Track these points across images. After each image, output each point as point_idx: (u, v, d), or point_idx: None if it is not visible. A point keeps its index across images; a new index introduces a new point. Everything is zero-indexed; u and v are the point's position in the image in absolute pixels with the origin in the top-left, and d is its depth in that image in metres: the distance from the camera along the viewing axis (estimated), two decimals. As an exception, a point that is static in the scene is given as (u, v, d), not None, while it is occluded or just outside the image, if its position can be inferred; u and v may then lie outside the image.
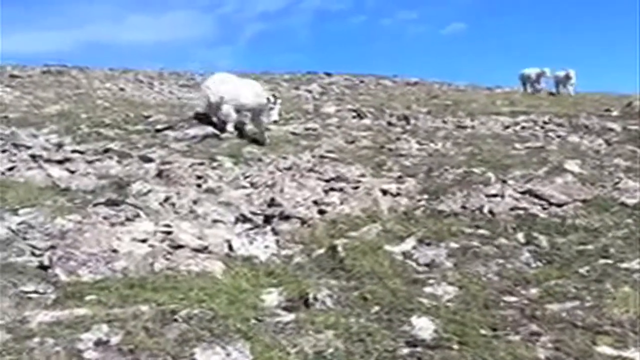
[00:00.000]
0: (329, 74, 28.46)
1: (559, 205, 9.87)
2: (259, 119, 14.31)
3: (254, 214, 9.42)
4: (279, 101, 14.18)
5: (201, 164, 11.73)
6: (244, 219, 9.22)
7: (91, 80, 25.71)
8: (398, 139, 15.34)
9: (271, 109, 13.86)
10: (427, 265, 7.82)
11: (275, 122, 14.39)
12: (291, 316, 6.14)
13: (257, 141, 13.95)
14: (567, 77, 26.08)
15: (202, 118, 15.05)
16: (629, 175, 11.58)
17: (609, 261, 7.80)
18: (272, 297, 6.62)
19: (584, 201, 10.06)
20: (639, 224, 9.06)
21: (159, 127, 14.83)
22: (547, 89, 26.79)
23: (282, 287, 6.86)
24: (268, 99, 14.00)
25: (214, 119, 14.83)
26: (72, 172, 11.16)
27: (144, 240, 7.88)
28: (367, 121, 17.46)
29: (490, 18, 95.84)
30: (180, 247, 7.80)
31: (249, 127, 14.82)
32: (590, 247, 8.35)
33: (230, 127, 14.33)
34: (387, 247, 8.21)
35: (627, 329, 5.94)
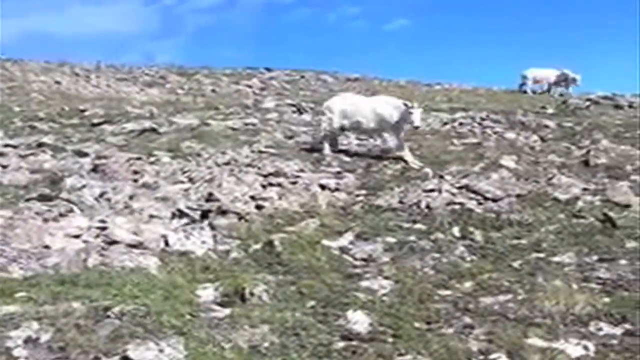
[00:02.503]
0: (269, 69, 28.36)
1: (494, 200, 10.03)
2: (397, 130, 13.00)
3: (191, 209, 9.31)
4: (415, 105, 12.99)
5: (138, 158, 11.56)
6: (180, 214, 9.11)
7: (26, 73, 25.10)
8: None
9: (410, 113, 12.68)
10: (364, 259, 7.85)
11: (417, 127, 13.08)
12: (226, 311, 6.12)
13: (196, 137, 13.81)
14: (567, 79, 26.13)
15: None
16: (562, 171, 11.84)
17: (542, 255, 7.97)
18: (207, 293, 6.57)
19: (518, 196, 10.24)
20: (571, 218, 9.26)
21: (95, 121, 14.61)
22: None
23: (218, 282, 6.81)
24: (405, 104, 12.85)
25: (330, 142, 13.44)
26: (4, 166, 10.90)
27: (77, 236, 7.75)
28: (307, 116, 17.44)
29: (434, 15, 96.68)
30: (115, 242, 7.68)
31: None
32: (523, 241, 8.51)
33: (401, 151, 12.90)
34: (325, 242, 8.23)
35: (557, 321, 6.07)
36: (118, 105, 16.96)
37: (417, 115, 12.68)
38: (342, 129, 13.51)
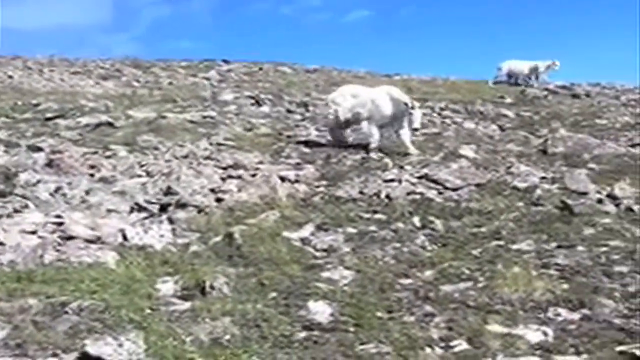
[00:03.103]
0: (227, 61, 28.13)
1: (454, 190, 10.11)
2: (400, 126, 12.53)
3: (149, 202, 9.20)
4: (417, 105, 12.55)
5: (94, 152, 11.39)
6: (139, 208, 9.00)
7: (-24, 67, 24.55)
8: (297, 125, 15.36)
9: (410, 114, 12.23)
10: (325, 250, 7.82)
11: (416, 129, 12.64)
12: (187, 305, 6.05)
13: (153, 130, 13.66)
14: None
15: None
16: (520, 160, 11.99)
17: (501, 243, 8.03)
18: (167, 286, 6.48)
19: (478, 185, 10.33)
20: (530, 206, 9.36)
21: (48, 115, 14.34)
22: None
23: (177, 275, 6.72)
24: (406, 104, 12.34)
25: (336, 136, 13.23)
26: (-44, 162, 10.63)
27: (33, 232, 7.61)
28: (265, 108, 17.37)
29: (395, 6, 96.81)
30: (71, 238, 7.54)
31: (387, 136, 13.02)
32: (483, 229, 8.56)
33: (374, 145, 12.47)
34: (285, 234, 8.19)
35: (517, 308, 6.12)
36: (72, 99, 16.67)
37: (417, 116, 12.27)
38: (348, 122, 13.06)
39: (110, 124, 13.80)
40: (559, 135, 13.52)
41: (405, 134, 12.52)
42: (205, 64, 27.21)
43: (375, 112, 12.57)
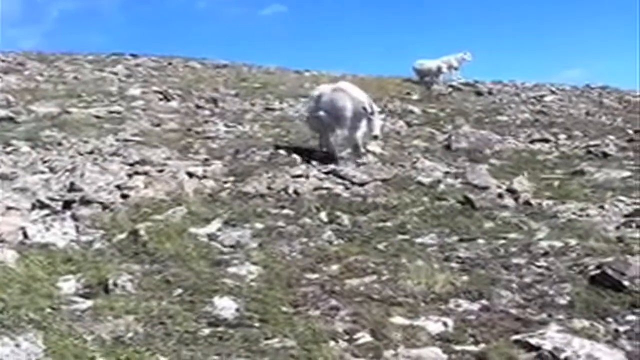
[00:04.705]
0: (135, 55, 27.58)
1: (361, 185, 10.25)
2: (347, 128, 11.59)
3: (52, 199, 8.98)
4: (377, 110, 11.39)
5: (-6, 148, 11.04)
6: (41, 205, 8.77)
7: None
8: (206, 121, 15.28)
9: (369, 119, 11.16)
10: (232, 246, 7.80)
11: (375, 137, 11.53)
12: (89, 303, 5.93)
13: (56, 125, 13.32)
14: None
15: None
16: (426, 156, 12.28)
17: (406, 237, 8.21)
18: (69, 285, 6.34)
19: (384, 180, 10.51)
20: (434, 201, 9.59)
21: (-54, 111, 13.81)
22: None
23: (80, 273, 6.58)
24: (365, 108, 11.23)
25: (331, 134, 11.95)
26: None
27: None
28: (174, 104, 17.19)
29: (310, 1, 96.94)
30: (-32, 236, 7.30)
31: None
32: (389, 223, 8.72)
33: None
34: (192, 230, 8.12)
35: (419, 300, 6.27)
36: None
37: (376, 123, 11.24)
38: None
39: (11, 119, 13.40)
40: (463, 132, 13.89)
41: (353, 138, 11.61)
42: (112, 58, 26.62)
43: (336, 112, 11.70)
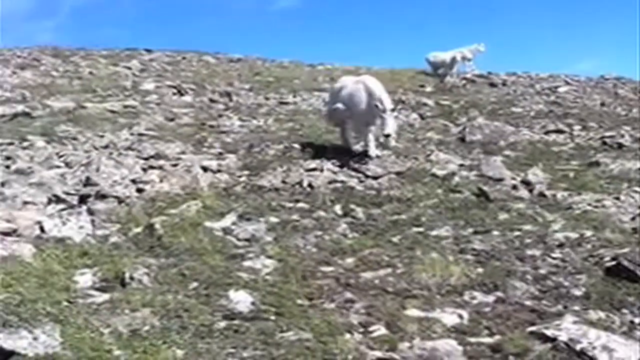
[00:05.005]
0: (149, 50, 27.59)
1: (375, 178, 10.23)
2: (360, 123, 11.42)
3: (68, 194, 9.02)
4: (389, 108, 10.82)
5: (10, 144, 11.09)
6: (57, 199, 8.81)
7: None
8: (220, 115, 15.26)
9: (381, 117, 10.74)
10: (247, 240, 7.83)
11: (387, 135, 10.94)
12: (106, 296, 5.99)
13: (72, 120, 13.39)
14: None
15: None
16: (440, 148, 12.22)
17: (420, 229, 8.21)
18: (85, 278, 6.40)
19: (398, 173, 10.49)
20: (448, 193, 9.58)
21: (-38, 105, 13.88)
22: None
23: (96, 267, 6.65)
24: (377, 105, 10.78)
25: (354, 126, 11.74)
26: None
27: (-54, 226, 7.38)
28: (188, 98, 17.19)
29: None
30: (-14, 231, 7.36)
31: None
32: (403, 216, 8.73)
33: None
34: (207, 224, 8.15)
35: (434, 292, 6.29)
36: (-12, 89, 16.15)
37: (389, 122, 10.73)
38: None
39: (27, 114, 13.44)
40: (477, 124, 13.82)
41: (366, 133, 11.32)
42: (127, 53, 26.64)
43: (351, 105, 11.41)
